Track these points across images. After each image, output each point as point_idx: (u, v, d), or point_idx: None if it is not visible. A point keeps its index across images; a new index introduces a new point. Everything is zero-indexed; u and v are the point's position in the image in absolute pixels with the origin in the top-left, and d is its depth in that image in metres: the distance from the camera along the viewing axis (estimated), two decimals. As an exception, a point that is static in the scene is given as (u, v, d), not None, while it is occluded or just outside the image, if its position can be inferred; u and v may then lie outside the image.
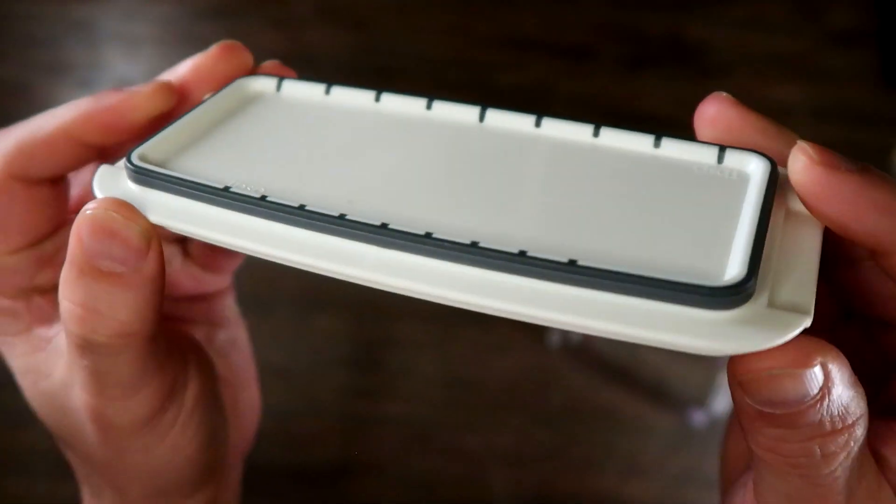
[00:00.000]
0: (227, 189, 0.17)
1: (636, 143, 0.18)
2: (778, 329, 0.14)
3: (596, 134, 0.18)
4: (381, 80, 0.69)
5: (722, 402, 0.71)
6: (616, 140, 0.18)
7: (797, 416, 0.14)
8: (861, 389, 0.16)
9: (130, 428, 0.21)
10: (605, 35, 0.74)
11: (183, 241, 0.26)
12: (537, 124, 0.19)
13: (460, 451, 0.71)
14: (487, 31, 0.74)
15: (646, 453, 0.69)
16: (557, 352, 0.73)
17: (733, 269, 0.14)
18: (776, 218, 0.16)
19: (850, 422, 0.15)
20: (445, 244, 0.15)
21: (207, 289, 0.27)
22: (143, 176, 0.17)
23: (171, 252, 0.26)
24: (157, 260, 0.17)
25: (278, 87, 0.22)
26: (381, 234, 0.15)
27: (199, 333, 0.27)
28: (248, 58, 0.23)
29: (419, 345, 0.71)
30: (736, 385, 0.15)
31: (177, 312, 0.27)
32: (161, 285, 0.18)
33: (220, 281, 0.28)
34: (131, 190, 0.18)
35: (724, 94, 0.19)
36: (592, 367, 0.72)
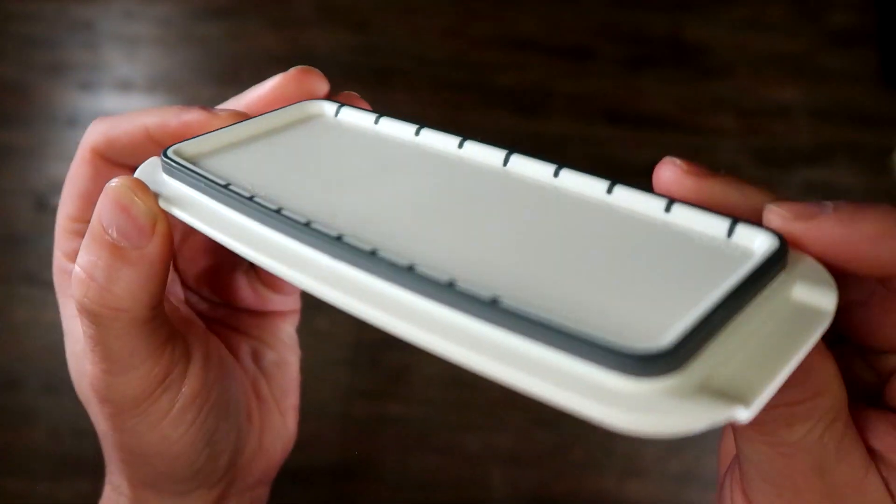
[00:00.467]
0: (227, 188, 0.17)
1: (647, 205, 0.17)
2: (693, 414, 0.12)
3: (609, 191, 0.18)
4: (381, 80, 0.69)
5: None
6: (627, 199, 0.17)
7: None
8: (829, 363, 0.15)
9: (120, 405, 0.21)
10: (605, 35, 0.74)
11: None
12: (556, 174, 0.18)
13: (460, 451, 0.71)
14: (487, 32, 0.74)
15: (646, 453, 0.69)
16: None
17: (666, 337, 0.13)
18: (769, 302, 0.15)
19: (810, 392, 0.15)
20: (384, 263, 0.15)
21: (268, 307, 0.28)
22: (170, 167, 0.19)
23: (238, 262, 0.27)
24: (160, 245, 0.18)
25: (336, 113, 0.23)
26: (336, 245, 0.16)
27: (246, 347, 0.27)
28: (323, 84, 0.24)
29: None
30: None
31: (230, 320, 0.28)
32: (161, 273, 0.19)
33: (282, 302, 0.28)
34: (162, 180, 0.19)
35: (677, 161, 0.17)
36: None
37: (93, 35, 0.76)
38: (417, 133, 0.20)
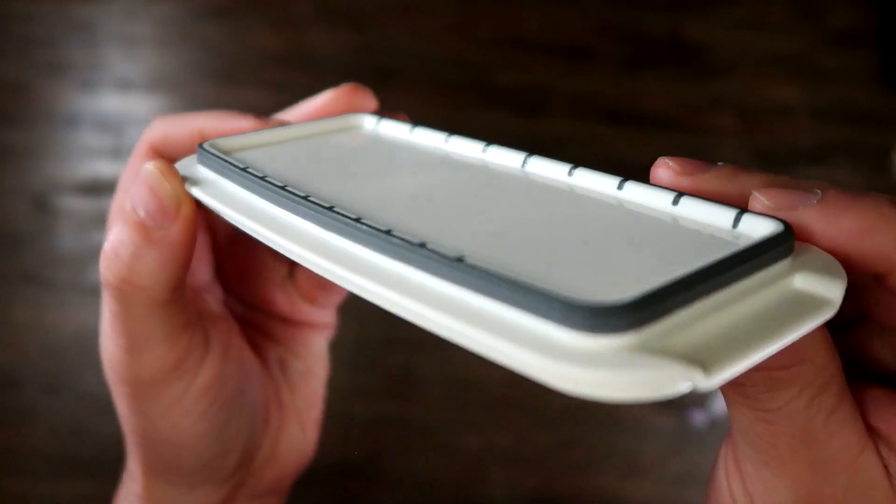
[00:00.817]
0: (249, 172, 0.18)
1: (655, 199, 0.17)
2: (645, 373, 0.12)
3: (620, 187, 0.18)
4: (381, 80, 0.69)
5: (722, 402, 0.71)
6: (637, 194, 0.18)
7: None
8: (818, 332, 0.15)
9: (135, 385, 0.22)
10: (605, 35, 0.74)
11: (292, 265, 0.27)
12: (570, 173, 0.19)
13: (460, 451, 0.71)
14: (487, 32, 0.74)
15: (646, 453, 0.69)
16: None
17: (626, 294, 0.12)
18: (767, 285, 0.14)
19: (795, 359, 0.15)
20: (365, 229, 0.16)
21: (302, 317, 0.29)
22: (203, 157, 0.20)
23: (277, 271, 0.28)
24: (183, 229, 0.19)
25: (377, 124, 0.24)
26: (326, 217, 0.16)
27: (274, 354, 0.28)
28: (371, 100, 0.25)
29: (419, 345, 0.71)
30: None
31: (263, 325, 0.28)
32: (182, 256, 0.20)
33: (317, 315, 0.29)
34: (196, 169, 0.20)
35: (670, 161, 0.17)
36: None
37: (93, 35, 0.76)
38: (447, 140, 0.22)
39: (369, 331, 0.69)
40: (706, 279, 0.13)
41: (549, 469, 0.71)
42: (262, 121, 0.24)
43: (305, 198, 0.17)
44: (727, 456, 0.19)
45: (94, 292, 0.74)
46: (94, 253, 0.74)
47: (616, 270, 0.15)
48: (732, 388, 0.16)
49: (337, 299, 0.29)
